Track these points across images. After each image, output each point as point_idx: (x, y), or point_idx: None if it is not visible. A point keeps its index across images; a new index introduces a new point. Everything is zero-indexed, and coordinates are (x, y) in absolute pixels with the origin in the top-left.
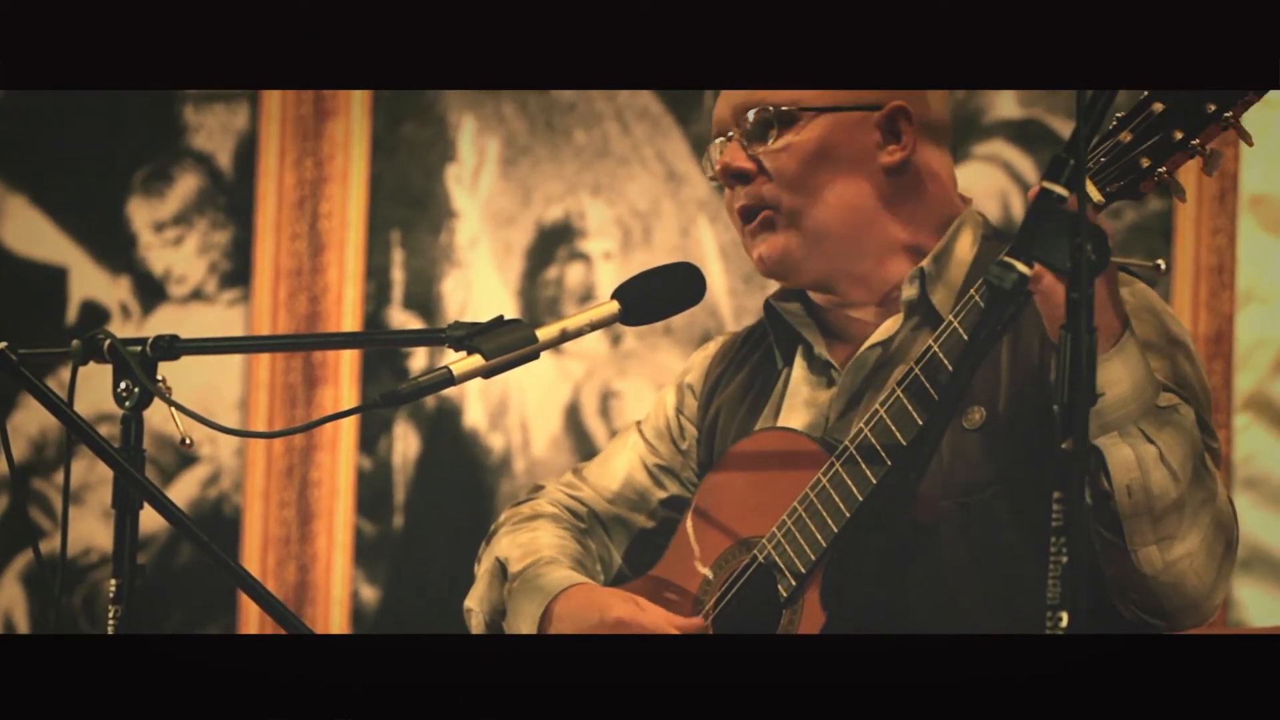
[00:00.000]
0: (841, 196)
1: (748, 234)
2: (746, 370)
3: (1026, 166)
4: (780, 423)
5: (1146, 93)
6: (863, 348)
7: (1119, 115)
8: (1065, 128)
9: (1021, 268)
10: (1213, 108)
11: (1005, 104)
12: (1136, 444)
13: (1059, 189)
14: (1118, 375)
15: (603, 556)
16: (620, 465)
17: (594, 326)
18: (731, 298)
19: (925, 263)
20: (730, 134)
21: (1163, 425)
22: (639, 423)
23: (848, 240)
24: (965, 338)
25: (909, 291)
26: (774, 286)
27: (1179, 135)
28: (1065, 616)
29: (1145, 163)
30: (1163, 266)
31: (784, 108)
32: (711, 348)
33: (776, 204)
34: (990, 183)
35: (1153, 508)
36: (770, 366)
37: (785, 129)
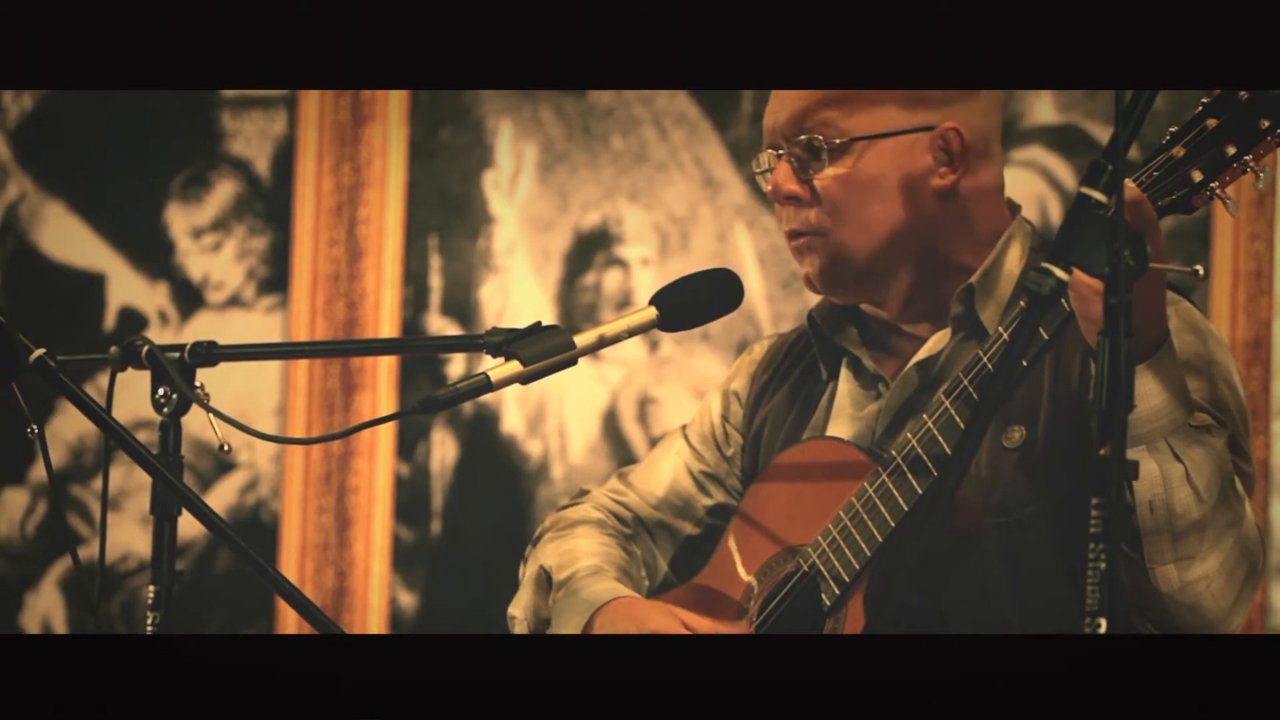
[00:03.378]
0: (892, 225)
1: (796, 251)
2: (792, 381)
3: (1065, 172)
4: (827, 434)
5: (1200, 108)
6: (910, 363)
7: (1171, 130)
8: (1103, 133)
9: (1060, 273)
10: (1266, 124)
11: (1043, 109)
12: (1164, 460)
13: (1097, 194)
14: (1151, 388)
15: (648, 562)
16: (666, 471)
17: (632, 332)
18: (769, 303)
19: (974, 279)
20: (781, 150)
21: (1193, 444)
22: (684, 427)
23: (898, 265)
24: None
25: (955, 308)
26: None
27: (1231, 150)
28: (1104, 623)
29: (1197, 177)
30: (1201, 272)
31: (835, 140)
32: (757, 352)
33: (826, 231)
34: (1028, 188)
35: (1173, 526)
36: (815, 378)
37: (836, 158)
